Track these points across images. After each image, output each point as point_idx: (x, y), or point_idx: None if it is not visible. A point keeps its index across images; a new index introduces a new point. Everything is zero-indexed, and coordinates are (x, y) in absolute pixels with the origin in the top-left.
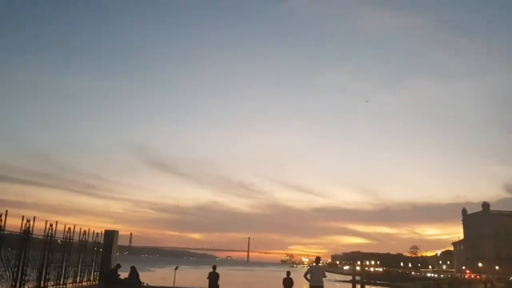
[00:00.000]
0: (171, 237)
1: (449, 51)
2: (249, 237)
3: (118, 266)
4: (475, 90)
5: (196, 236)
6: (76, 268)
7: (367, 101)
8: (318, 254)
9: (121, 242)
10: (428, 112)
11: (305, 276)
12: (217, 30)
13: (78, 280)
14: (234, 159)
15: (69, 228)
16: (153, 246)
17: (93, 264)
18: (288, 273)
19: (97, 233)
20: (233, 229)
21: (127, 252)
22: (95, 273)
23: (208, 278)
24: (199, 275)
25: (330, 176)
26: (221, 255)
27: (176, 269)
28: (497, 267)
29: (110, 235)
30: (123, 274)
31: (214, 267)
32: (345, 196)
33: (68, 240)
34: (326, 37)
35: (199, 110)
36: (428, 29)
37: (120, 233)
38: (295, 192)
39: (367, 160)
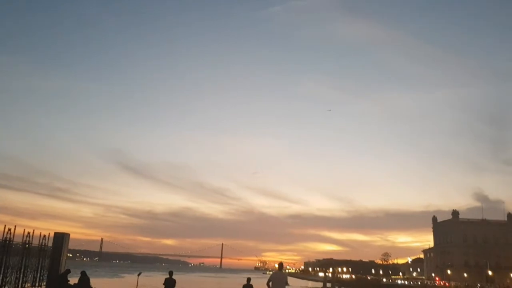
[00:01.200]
0: (143, 243)
1: (423, 61)
2: (222, 244)
3: (68, 271)
4: (447, 100)
5: (169, 242)
6: (17, 273)
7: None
8: (291, 261)
9: (91, 247)
10: (402, 121)
11: (267, 284)
12: (194, 36)
13: (20, 286)
14: (209, 165)
15: (29, 233)
16: (125, 252)
17: (39, 268)
18: (249, 279)
19: (44, 236)
20: (206, 235)
21: (97, 258)
22: (41, 278)
23: (164, 284)
24: (150, 280)
25: (305, 183)
26: (194, 261)
27: (139, 275)
28: (465, 275)
29: (60, 238)
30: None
31: (171, 273)
32: (319, 203)
33: (8, 241)
34: (303, 46)
35: (173, 115)
36: (403, 40)
37: (90, 238)
38: (270, 198)
39: (342, 167)
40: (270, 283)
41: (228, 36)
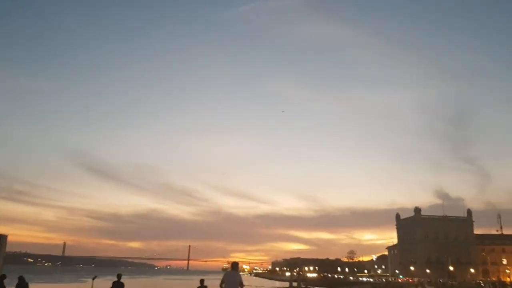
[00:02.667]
0: (108, 246)
1: (387, 62)
2: (189, 245)
3: (4, 276)
4: (410, 99)
5: (134, 244)
6: None
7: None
8: (259, 261)
9: (54, 252)
10: (366, 120)
11: (220, 286)
12: (160, 37)
13: None
14: (175, 166)
15: None
16: (89, 255)
17: None
18: (202, 281)
19: None
20: (173, 237)
21: (60, 263)
22: None
23: None
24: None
25: (273, 183)
26: (160, 264)
27: (94, 279)
28: (428, 270)
29: None
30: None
31: (119, 276)
32: (287, 203)
33: None
34: (270, 46)
35: (139, 115)
36: (368, 40)
37: (53, 242)
38: (238, 199)
39: (309, 167)
40: (223, 285)
41: (194, 37)
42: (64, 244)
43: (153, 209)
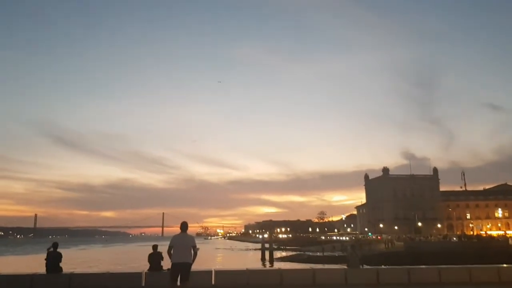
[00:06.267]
0: (81, 217)
1: (354, 24)
2: (163, 212)
3: None
4: (377, 62)
5: (107, 214)
6: None
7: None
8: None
9: (25, 224)
10: (334, 84)
11: (168, 252)
12: (128, 5)
13: None
14: (146, 135)
15: None
16: (62, 226)
17: None
18: (155, 247)
19: None
20: (146, 205)
21: (32, 235)
22: None
23: (45, 259)
24: (92, 253)
25: (244, 149)
26: (134, 231)
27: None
28: (396, 227)
29: None
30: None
31: (55, 246)
32: (259, 168)
33: None
34: (240, 12)
35: (108, 83)
36: (335, 3)
37: (23, 215)
38: (210, 166)
39: (280, 132)
40: (172, 250)
41: (162, 3)
42: (35, 216)
43: (125, 179)
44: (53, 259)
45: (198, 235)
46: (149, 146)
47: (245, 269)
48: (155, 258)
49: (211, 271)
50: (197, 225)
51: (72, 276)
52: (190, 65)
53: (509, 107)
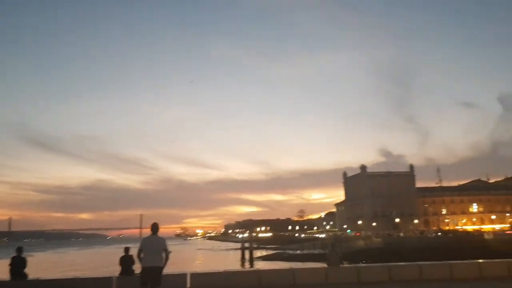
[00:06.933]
0: (57, 219)
1: (334, 24)
2: (141, 214)
3: None
4: (355, 62)
5: (84, 216)
6: None
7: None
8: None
9: None
10: (314, 83)
11: (138, 256)
12: (102, 3)
13: None
14: (122, 135)
15: None
16: (38, 229)
17: None
18: (127, 249)
19: None
20: (124, 207)
21: (6, 239)
22: None
23: (9, 265)
24: (67, 256)
25: (224, 149)
26: (112, 234)
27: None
28: (374, 224)
29: None
30: None
31: (19, 250)
32: (238, 168)
33: None
34: (216, 11)
35: (81, 84)
36: (313, 2)
37: None
38: (189, 166)
39: (259, 131)
40: (142, 254)
41: (135, 2)
42: (10, 219)
43: (101, 180)
44: (17, 265)
45: (177, 236)
46: (126, 146)
47: (222, 270)
48: (126, 261)
49: (185, 274)
50: (176, 226)
51: (37, 282)
52: (166, 64)
53: (482, 105)
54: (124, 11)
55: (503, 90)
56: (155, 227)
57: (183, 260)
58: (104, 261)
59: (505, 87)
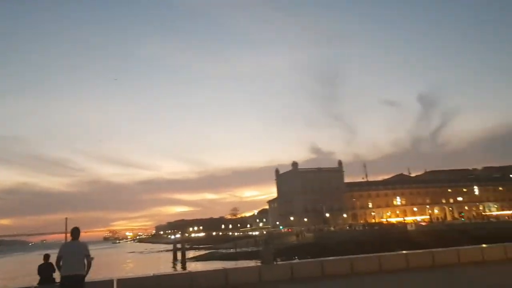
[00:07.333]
0: None
1: (263, 24)
2: (66, 218)
3: None
4: (286, 61)
5: (4, 221)
6: None
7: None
8: (143, 227)
9: None
10: (245, 81)
11: (57, 264)
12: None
13: None
14: (46, 136)
15: None
16: None
17: None
18: (46, 256)
19: None
20: (48, 210)
21: None
22: None
23: None
24: None
25: (154, 148)
26: (35, 239)
27: None
28: (305, 219)
29: None
30: None
31: None
32: (170, 167)
33: None
34: (145, 8)
35: (2, 80)
36: (244, 2)
37: None
38: (117, 166)
39: (191, 130)
40: (61, 261)
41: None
42: None
43: (22, 183)
44: None
45: (106, 239)
46: (50, 148)
47: (151, 274)
48: (46, 270)
49: (112, 281)
50: (104, 229)
51: None
52: (91, 62)
53: (403, 103)
54: (45, 7)
55: (422, 90)
56: (75, 232)
57: (111, 265)
58: (24, 270)
59: (423, 87)
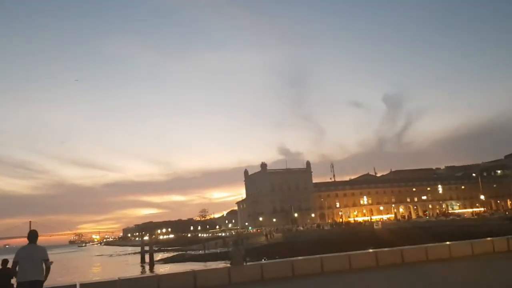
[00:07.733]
0: None
1: (231, 23)
2: (30, 221)
3: None
4: (252, 61)
5: None
6: None
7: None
8: (111, 230)
9: None
10: (213, 81)
11: (13, 269)
12: None
13: None
14: (6, 137)
15: None
16: None
17: None
18: (4, 262)
19: None
20: (10, 214)
21: None
22: None
23: None
24: None
25: (121, 150)
26: None
27: None
28: (274, 219)
29: None
30: None
31: None
32: (137, 169)
33: None
34: (109, 6)
35: None
36: (214, 3)
37: None
38: (82, 168)
39: (158, 131)
40: (18, 267)
41: None
42: None
43: None
44: None
45: (72, 242)
46: (11, 149)
47: (116, 278)
48: (2, 276)
49: (75, 285)
50: (70, 232)
51: None
52: (52, 61)
53: (370, 104)
54: (3, 5)
55: (387, 91)
56: (32, 235)
57: (76, 269)
58: None
59: (388, 89)
